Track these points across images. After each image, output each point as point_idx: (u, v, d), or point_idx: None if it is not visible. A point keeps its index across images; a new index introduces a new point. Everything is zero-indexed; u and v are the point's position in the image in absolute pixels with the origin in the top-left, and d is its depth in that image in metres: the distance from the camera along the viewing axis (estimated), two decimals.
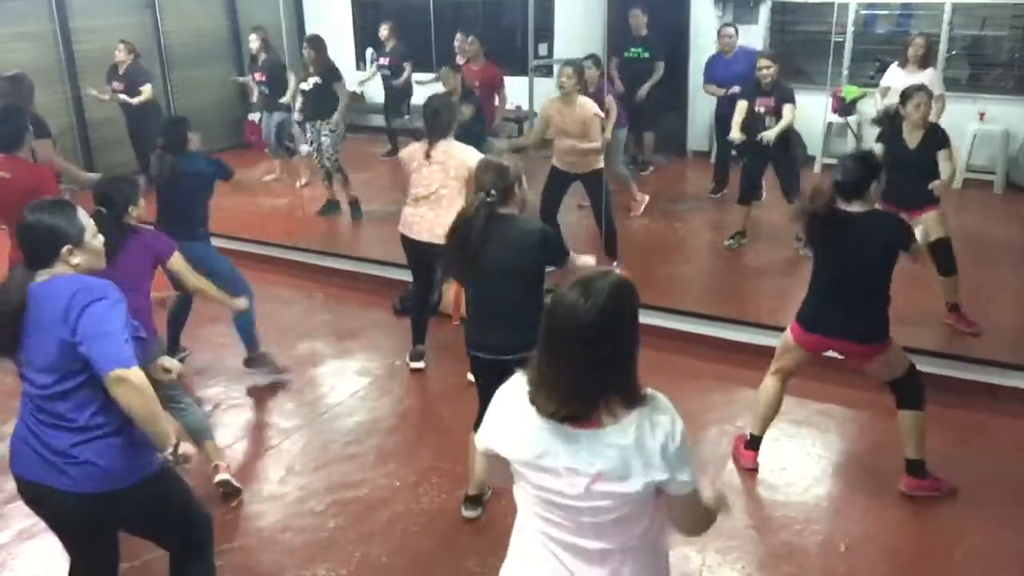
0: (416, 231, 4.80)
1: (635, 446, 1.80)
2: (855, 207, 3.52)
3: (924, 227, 3.98)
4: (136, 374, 2.34)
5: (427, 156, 4.69)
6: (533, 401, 1.85)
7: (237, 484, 3.89)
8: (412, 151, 4.83)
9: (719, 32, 7.83)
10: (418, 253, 4.87)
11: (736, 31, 7.69)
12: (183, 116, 4.88)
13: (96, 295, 2.38)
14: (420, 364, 5.05)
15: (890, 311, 3.61)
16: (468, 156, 4.62)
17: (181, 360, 5.05)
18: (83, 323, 2.33)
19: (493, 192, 3.26)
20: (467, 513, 3.70)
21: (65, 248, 2.47)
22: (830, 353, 3.80)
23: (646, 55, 8.02)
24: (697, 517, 1.96)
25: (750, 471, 3.98)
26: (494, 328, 3.33)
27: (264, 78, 8.35)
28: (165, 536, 2.78)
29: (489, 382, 3.21)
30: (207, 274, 4.60)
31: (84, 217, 2.56)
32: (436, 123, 4.70)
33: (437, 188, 4.69)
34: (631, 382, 1.83)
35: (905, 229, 3.58)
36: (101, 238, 2.61)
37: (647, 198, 7.55)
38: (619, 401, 1.81)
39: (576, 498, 1.83)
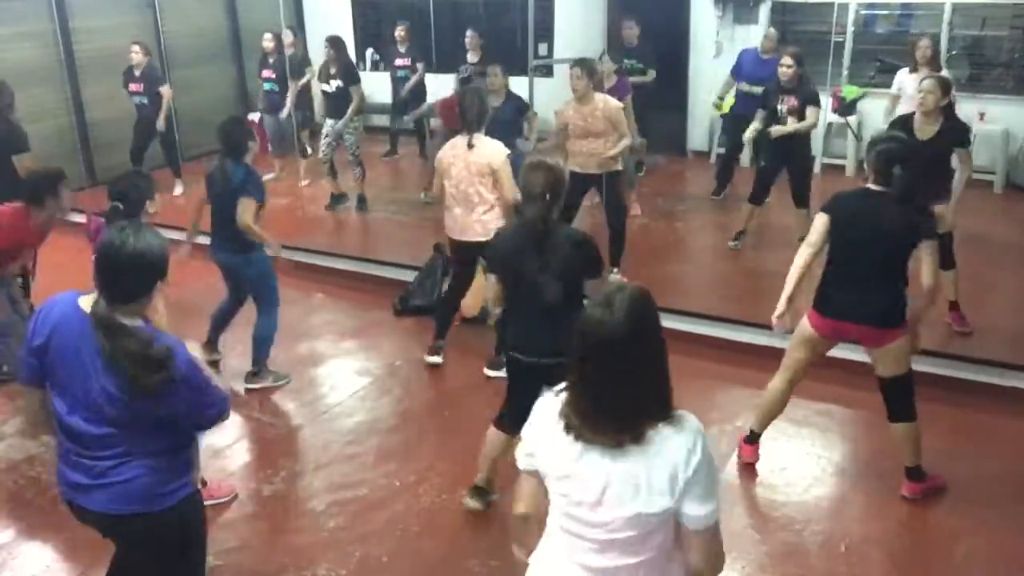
0: (456, 232, 4.82)
1: (650, 467, 1.80)
2: (880, 187, 3.44)
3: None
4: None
5: (469, 147, 4.65)
6: (573, 428, 1.84)
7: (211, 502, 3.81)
8: (442, 154, 4.82)
9: (765, 35, 7.61)
10: (460, 252, 4.91)
11: (777, 35, 7.53)
12: (240, 117, 4.73)
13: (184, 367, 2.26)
14: (437, 359, 5.04)
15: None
16: (492, 152, 4.62)
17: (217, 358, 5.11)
18: (180, 400, 2.27)
19: (548, 195, 3.21)
20: (469, 502, 3.69)
21: (159, 283, 2.31)
22: (834, 352, 3.80)
23: (639, 66, 7.97)
24: (712, 554, 1.89)
25: (748, 465, 4.00)
26: (536, 331, 3.32)
27: (274, 76, 8.37)
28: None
29: (525, 384, 3.23)
30: (252, 286, 4.70)
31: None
32: (466, 116, 4.70)
33: (465, 187, 4.68)
34: (666, 397, 1.85)
35: (928, 218, 3.47)
36: None
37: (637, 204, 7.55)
38: (650, 419, 1.82)
39: (597, 514, 1.84)
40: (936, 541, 3.58)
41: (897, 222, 3.39)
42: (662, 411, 1.84)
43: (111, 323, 2.22)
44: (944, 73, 6.14)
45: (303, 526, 3.70)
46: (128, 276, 2.26)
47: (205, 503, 3.67)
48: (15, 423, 4.52)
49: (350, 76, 7.65)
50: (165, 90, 8.04)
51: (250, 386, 4.83)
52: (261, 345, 4.83)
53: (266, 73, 8.47)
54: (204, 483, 3.81)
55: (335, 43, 7.68)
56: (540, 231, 3.23)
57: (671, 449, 1.80)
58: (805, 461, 4.11)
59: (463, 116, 4.72)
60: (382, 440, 4.36)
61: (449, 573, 3.42)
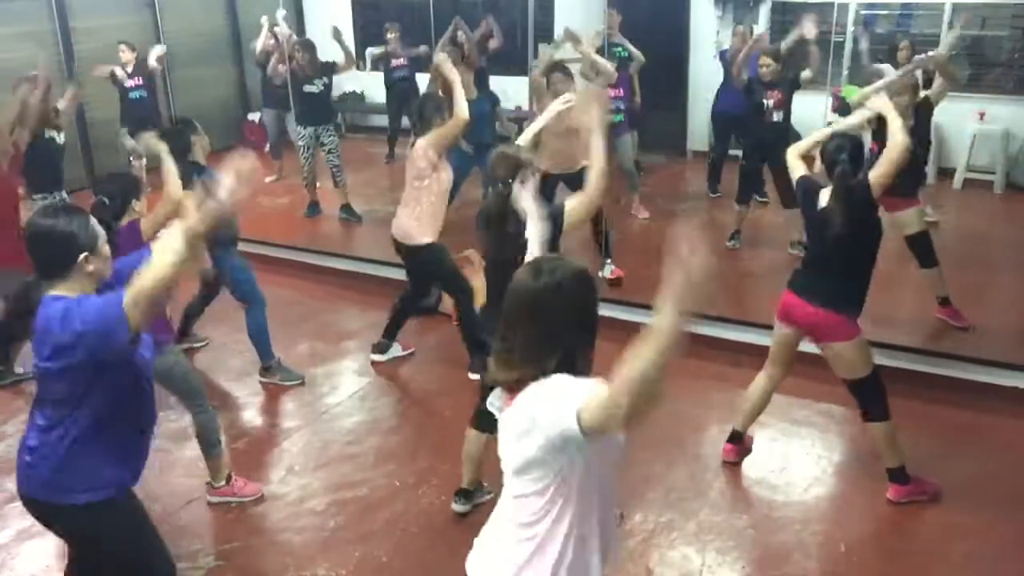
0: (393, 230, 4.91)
1: (510, 417, 1.92)
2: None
3: (900, 224, 3.96)
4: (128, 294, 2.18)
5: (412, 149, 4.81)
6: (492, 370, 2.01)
7: (222, 500, 3.87)
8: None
9: (732, 32, 7.85)
10: (397, 252, 4.97)
11: (751, 29, 7.69)
12: (188, 118, 4.79)
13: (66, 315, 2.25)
14: (380, 357, 5.12)
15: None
16: (417, 155, 4.70)
17: (196, 346, 5.29)
18: (76, 330, 2.23)
19: (511, 180, 3.36)
20: (455, 507, 3.70)
21: (83, 255, 2.36)
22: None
23: (624, 53, 7.97)
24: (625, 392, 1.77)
25: (748, 465, 4.00)
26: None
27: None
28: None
29: None
30: (231, 284, 4.72)
31: (96, 224, 2.45)
32: (418, 119, 4.79)
33: (406, 188, 4.82)
34: (563, 367, 1.88)
35: (867, 197, 3.51)
36: (107, 246, 2.51)
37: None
38: (531, 378, 1.90)
39: (504, 460, 1.99)
40: (936, 541, 3.58)
41: (840, 224, 3.44)
42: (548, 375, 1.88)
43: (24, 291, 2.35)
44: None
45: (303, 526, 3.71)
46: (39, 252, 2.37)
47: (227, 500, 3.81)
48: (15, 423, 4.52)
49: (332, 76, 7.54)
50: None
51: (262, 379, 4.93)
52: (256, 342, 4.87)
53: (281, 68, 8.36)
54: (230, 478, 3.84)
55: (307, 45, 7.54)
56: (498, 213, 3.40)
57: (524, 401, 1.88)
58: (805, 461, 4.11)
59: (416, 118, 4.81)
60: (382, 440, 4.36)
61: (449, 573, 3.41)
